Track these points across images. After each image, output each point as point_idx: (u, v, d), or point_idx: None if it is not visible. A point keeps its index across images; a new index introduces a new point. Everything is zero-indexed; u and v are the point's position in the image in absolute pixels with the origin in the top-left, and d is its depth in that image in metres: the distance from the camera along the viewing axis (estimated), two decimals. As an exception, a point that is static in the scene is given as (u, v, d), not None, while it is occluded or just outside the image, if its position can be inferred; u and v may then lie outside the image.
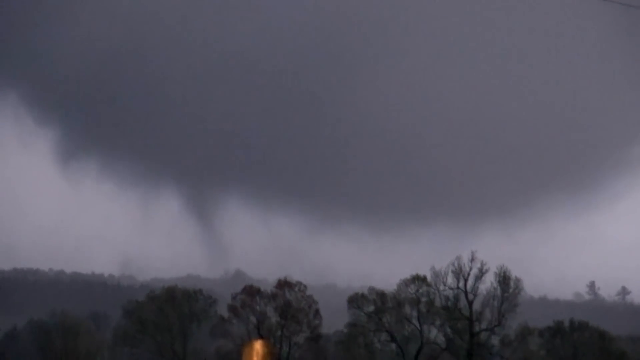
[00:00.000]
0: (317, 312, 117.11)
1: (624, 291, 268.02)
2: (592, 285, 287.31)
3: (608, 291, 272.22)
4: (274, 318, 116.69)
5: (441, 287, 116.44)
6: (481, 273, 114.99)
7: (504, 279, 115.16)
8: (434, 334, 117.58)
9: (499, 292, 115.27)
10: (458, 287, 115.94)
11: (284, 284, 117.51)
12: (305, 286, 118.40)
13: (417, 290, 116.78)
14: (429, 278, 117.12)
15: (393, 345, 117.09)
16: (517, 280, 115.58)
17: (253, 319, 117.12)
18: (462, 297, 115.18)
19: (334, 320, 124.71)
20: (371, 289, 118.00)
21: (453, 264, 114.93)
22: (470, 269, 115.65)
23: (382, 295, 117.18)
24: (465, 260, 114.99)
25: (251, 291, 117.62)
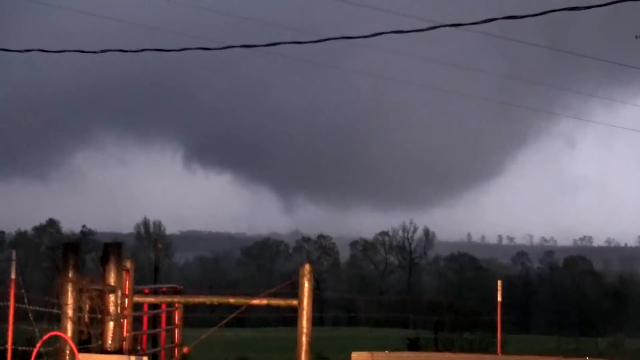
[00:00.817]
0: (337, 251, 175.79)
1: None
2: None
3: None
4: (315, 254, 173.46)
5: (399, 235, 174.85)
6: (414, 228, 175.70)
7: (426, 232, 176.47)
8: (393, 260, 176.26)
9: (424, 238, 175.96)
10: (406, 237, 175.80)
11: (321, 237, 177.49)
12: (331, 237, 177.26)
13: (384, 240, 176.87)
14: (390, 232, 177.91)
15: (372, 267, 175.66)
16: (433, 233, 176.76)
17: (304, 255, 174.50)
18: (407, 243, 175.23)
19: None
20: (361, 239, 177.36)
21: (403, 227, 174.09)
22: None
23: (366, 241, 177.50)
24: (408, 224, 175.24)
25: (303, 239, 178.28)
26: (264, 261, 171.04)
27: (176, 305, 16.42)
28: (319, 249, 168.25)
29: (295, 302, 14.12)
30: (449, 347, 45.06)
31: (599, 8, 12.62)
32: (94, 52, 16.25)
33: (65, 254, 12.95)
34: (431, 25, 13.58)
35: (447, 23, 14.06)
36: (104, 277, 13.55)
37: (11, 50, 16.65)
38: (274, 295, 15.23)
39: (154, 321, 16.68)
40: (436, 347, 46.35)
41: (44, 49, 16.10)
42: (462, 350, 37.95)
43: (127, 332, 13.79)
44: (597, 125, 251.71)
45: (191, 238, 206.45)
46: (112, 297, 13.49)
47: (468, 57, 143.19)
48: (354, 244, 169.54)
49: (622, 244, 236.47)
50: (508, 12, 13.22)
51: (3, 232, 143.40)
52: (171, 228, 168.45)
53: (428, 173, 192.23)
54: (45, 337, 12.25)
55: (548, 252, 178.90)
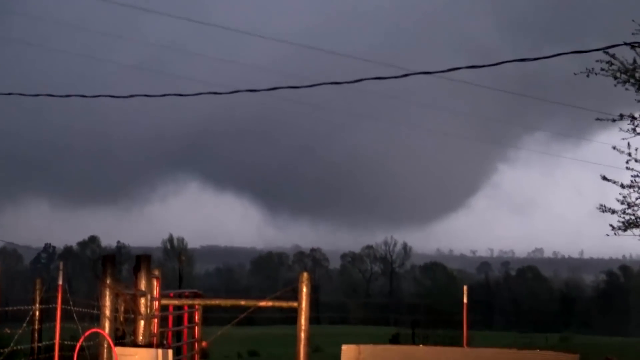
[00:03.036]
0: (328, 261, 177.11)
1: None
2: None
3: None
4: (310, 264, 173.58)
5: (381, 248, 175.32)
6: (395, 243, 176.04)
7: (404, 246, 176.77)
8: (377, 269, 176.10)
9: (403, 251, 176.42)
10: (387, 250, 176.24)
11: (313, 250, 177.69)
12: (321, 250, 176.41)
13: (370, 252, 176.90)
14: (374, 246, 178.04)
15: (360, 275, 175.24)
16: (410, 247, 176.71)
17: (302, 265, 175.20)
18: (388, 255, 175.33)
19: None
20: (350, 252, 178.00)
21: (385, 241, 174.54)
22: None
23: (355, 254, 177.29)
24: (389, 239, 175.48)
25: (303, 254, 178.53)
26: (270, 271, 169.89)
27: (196, 307, 16.42)
28: (312, 260, 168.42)
29: (295, 304, 14.12)
30: (425, 342, 44.75)
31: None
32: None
33: (104, 264, 13.01)
34: (405, 72, 13.58)
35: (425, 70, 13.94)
36: (136, 284, 13.57)
37: (150, 96, 16.46)
38: (278, 298, 15.31)
39: (178, 320, 16.63)
40: (413, 342, 45.99)
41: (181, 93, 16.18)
42: (435, 344, 37.75)
43: (155, 329, 13.76)
44: (545, 157, 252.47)
45: (210, 251, 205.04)
46: (143, 300, 13.49)
47: (444, 101, 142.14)
48: (344, 256, 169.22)
49: (567, 256, 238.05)
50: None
51: (54, 247, 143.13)
52: (193, 243, 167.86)
53: (406, 199, 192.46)
54: (87, 333, 12.27)
55: (505, 262, 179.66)
